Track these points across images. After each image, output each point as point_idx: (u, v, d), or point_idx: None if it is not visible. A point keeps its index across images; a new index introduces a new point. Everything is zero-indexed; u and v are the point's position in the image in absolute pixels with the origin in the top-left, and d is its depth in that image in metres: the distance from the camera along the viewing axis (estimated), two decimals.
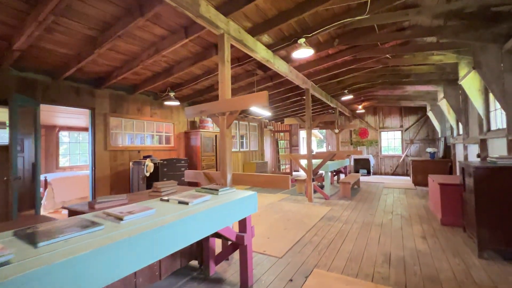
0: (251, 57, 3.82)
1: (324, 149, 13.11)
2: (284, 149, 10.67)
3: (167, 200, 1.81)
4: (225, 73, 2.70)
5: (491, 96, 3.90)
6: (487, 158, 2.83)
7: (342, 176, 8.61)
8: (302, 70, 4.73)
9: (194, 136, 5.65)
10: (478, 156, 4.24)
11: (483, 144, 4.17)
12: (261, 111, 6.21)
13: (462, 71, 4.17)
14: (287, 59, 4.21)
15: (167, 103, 4.96)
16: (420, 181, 6.98)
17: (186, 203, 1.69)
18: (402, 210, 4.43)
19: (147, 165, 4.14)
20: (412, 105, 8.84)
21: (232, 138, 2.51)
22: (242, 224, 2.10)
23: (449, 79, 5.30)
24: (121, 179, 4.54)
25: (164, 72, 4.22)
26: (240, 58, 4.04)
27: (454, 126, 6.08)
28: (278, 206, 4.88)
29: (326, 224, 3.72)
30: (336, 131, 7.83)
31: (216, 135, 6.02)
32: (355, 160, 9.75)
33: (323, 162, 5.16)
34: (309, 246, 2.93)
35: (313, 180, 5.22)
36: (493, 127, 3.91)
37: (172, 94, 4.92)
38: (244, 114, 7.61)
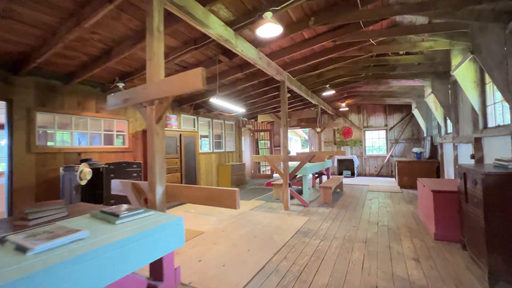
0: (210, 38, 3.10)
1: (308, 150, 12.56)
2: (265, 150, 10.01)
3: (2, 242, 1.05)
4: (154, 47, 1.96)
5: (488, 88, 3.39)
6: (496, 161, 2.26)
7: (324, 178, 8.05)
8: (275, 58, 4.06)
9: None
10: (473, 157, 3.74)
11: (477, 143, 3.66)
12: (233, 107, 5.50)
13: (455, 59, 3.64)
14: (255, 42, 3.52)
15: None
16: (406, 183, 6.51)
17: (24, 250, 0.95)
18: (389, 220, 3.85)
19: (81, 171, 3.31)
20: (397, 102, 8.43)
21: (164, 137, 1.75)
22: (157, 268, 1.38)
23: (438, 72, 4.81)
24: (52, 189, 3.67)
25: (103, 56, 3.40)
26: (197, 40, 3.31)
27: (442, 124, 5.63)
28: (248, 217, 4.18)
29: (300, 242, 3.05)
30: (318, 130, 7.26)
31: (180, 134, 5.24)
32: (339, 161, 9.24)
33: (301, 165, 4.52)
34: (274, 277, 2.25)
35: (290, 185, 4.57)
36: (490, 124, 3.40)
37: (120, 85, 4.11)
38: (206, 108, 6.86)
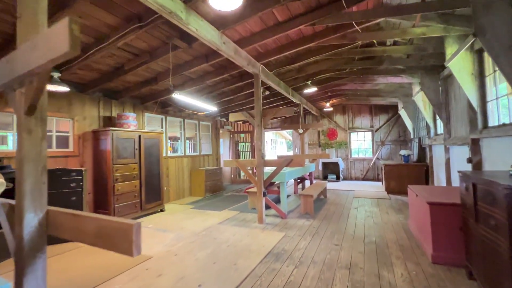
0: (157, 13, 2.44)
1: (292, 153, 12.01)
2: (247, 153, 9.36)
3: None
4: None
5: (489, 81, 2.92)
6: None
7: (308, 183, 7.51)
8: (245, 46, 3.45)
9: (104, 136, 4.09)
10: (469, 161, 3.27)
11: (475, 145, 3.19)
12: (204, 105, 4.84)
13: (450, 48, 3.17)
14: (216, 23, 2.89)
15: (50, 88, 3.37)
16: (393, 188, 6.06)
17: None
18: (377, 235, 3.30)
19: None
20: (383, 102, 8.05)
21: (44, 138, 1.01)
22: None
23: (428, 66, 4.37)
24: None
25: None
26: (142, 17, 2.64)
27: (431, 124, 5.21)
28: (213, 233, 3.51)
29: (269, 270, 2.42)
30: (300, 131, 6.71)
31: (140, 135, 4.51)
32: (324, 164, 8.75)
33: (277, 171, 3.91)
34: None
35: (265, 194, 3.95)
36: (491, 123, 2.93)
37: (56, 75, 3.35)
38: (175, 107, 6.17)
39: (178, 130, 6.53)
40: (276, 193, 4.46)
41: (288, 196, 6.09)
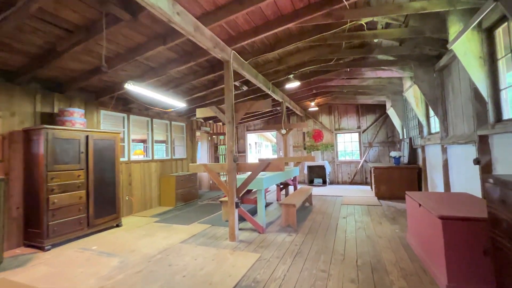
0: None
1: (277, 156, 11.41)
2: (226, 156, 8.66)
3: None
4: None
5: (502, 64, 2.41)
6: None
7: (291, 189, 6.90)
8: (210, 23, 2.79)
9: (36, 137, 3.27)
10: (477, 162, 2.75)
11: (483, 143, 2.68)
12: (169, 100, 4.12)
13: (454, 27, 2.65)
14: None
15: None
16: (384, 193, 5.55)
17: None
18: (372, 254, 2.69)
19: None
20: (370, 101, 7.63)
21: None
22: None
23: (422, 56, 3.89)
24: None
25: None
26: None
27: (424, 122, 4.75)
28: (171, 257, 2.77)
29: None
30: (283, 131, 6.11)
31: (88, 136, 3.71)
32: (309, 168, 8.18)
33: (252, 176, 3.25)
34: None
35: (238, 206, 3.26)
36: (506, 116, 2.42)
37: None
38: (138, 103, 5.41)
39: (144, 131, 5.74)
40: (254, 202, 3.79)
41: (269, 204, 5.43)
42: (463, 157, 3.34)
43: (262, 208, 3.56)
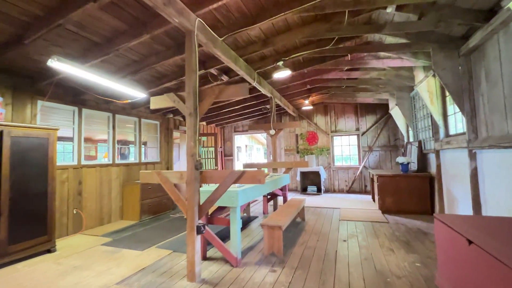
0: None
1: (267, 160, 10.52)
2: (211, 160, 7.70)
3: None
4: None
5: None
6: None
7: (281, 200, 5.99)
8: None
9: None
10: None
11: None
12: (121, 87, 3.19)
13: None
14: None
15: None
16: (390, 207, 4.69)
17: None
18: None
19: None
20: (370, 100, 6.82)
21: None
22: None
23: (443, 37, 3.07)
24: None
25: None
26: None
27: (441, 122, 3.92)
28: None
29: None
30: (272, 132, 5.21)
31: (1, 131, 2.74)
32: (302, 174, 7.29)
33: (220, 190, 2.32)
34: None
35: (201, 231, 2.33)
36: None
37: None
38: (84, 94, 4.44)
39: (104, 129, 4.77)
40: (228, 223, 2.85)
41: (253, 219, 4.50)
42: (503, 165, 2.49)
43: (237, 233, 2.62)
